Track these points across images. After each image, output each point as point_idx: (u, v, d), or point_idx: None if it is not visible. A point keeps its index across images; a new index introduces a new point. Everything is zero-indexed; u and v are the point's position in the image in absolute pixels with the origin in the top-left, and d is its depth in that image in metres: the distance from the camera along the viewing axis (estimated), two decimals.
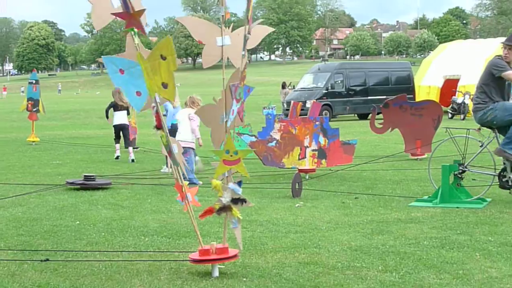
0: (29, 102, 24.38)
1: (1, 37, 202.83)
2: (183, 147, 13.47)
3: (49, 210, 10.88)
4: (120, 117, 18.82)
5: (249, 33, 7.00)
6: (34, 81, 24.81)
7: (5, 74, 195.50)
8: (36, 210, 10.85)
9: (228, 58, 7.19)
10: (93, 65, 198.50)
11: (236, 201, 6.86)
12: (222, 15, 7.20)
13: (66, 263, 7.42)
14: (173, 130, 16.47)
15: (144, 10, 6.52)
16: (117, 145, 19.06)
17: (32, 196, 12.34)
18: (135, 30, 6.62)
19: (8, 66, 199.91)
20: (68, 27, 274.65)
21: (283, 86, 42.84)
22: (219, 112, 7.19)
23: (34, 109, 24.35)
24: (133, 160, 18.05)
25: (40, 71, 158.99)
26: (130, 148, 18.50)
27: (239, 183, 6.88)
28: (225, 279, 6.72)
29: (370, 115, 23.02)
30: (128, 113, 19.14)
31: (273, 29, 7.84)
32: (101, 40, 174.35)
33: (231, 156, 6.89)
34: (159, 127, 6.75)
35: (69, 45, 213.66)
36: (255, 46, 7.56)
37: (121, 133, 18.87)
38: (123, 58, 6.60)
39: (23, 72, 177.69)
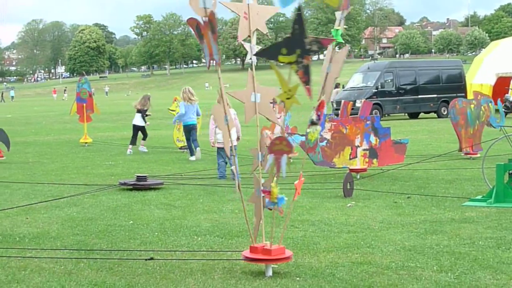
0: (80, 104, 24.68)
1: (53, 41, 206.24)
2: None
3: (103, 210, 11.03)
4: (136, 119, 21.74)
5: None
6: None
7: (57, 77, 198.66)
8: (90, 210, 11.01)
9: None
10: (143, 67, 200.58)
11: None
12: None
13: (122, 262, 7.51)
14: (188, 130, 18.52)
15: None
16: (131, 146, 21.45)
17: (86, 196, 12.53)
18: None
19: (60, 69, 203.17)
20: (118, 29, 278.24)
21: (336, 85, 42.58)
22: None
23: (87, 111, 24.66)
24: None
25: (91, 74, 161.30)
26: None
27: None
28: (278, 278, 6.74)
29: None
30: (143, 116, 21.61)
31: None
32: (150, 43, 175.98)
33: None
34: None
35: (119, 47, 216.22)
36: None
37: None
38: None
39: (75, 75, 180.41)
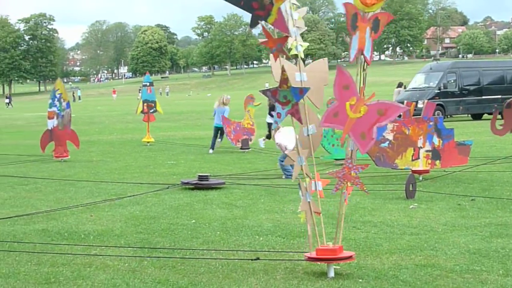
0: (145, 104, 25.03)
1: (116, 42, 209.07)
2: None
3: (165, 209, 11.15)
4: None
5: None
6: (148, 84, 25.45)
7: (120, 77, 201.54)
8: (153, 209, 11.14)
9: None
10: (204, 68, 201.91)
11: None
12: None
13: (184, 260, 7.58)
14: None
15: None
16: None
17: (149, 195, 12.67)
18: None
19: (123, 70, 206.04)
20: (180, 30, 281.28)
21: (399, 85, 42.06)
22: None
23: (151, 111, 24.98)
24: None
25: (153, 74, 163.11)
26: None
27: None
28: (340, 279, 6.71)
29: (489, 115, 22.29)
30: None
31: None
32: (211, 43, 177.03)
33: None
34: None
35: (181, 48, 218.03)
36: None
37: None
38: None
39: (137, 75, 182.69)
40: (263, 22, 6.88)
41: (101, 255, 7.91)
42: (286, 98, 6.92)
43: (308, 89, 6.99)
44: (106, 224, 9.89)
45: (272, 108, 19.15)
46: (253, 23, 6.93)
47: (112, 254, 7.95)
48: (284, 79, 6.89)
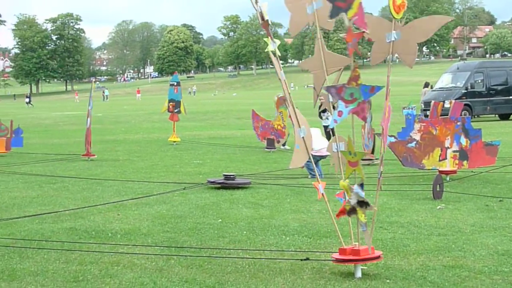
0: (171, 103, 25.12)
1: (143, 41, 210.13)
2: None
3: (192, 208, 11.17)
4: None
5: None
6: (175, 83, 25.53)
7: (146, 76, 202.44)
8: (179, 208, 11.17)
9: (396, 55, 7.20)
10: (229, 67, 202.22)
11: (361, 203, 6.77)
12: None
13: (211, 259, 7.60)
14: None
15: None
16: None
17: (175, 194, 12.71)
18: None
19: (149, 69, 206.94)
20: (205, 30, 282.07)
21: (426, 85, 41.79)
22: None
23: (175, 110, 25.07)
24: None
25: (179, 74, 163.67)
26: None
27: (361, 186, 6.77)
28: (368, 280, 6.68)
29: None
30: None
31: (452, 18, 7.63)
32: (237, 43, 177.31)
33: (352, 157, 6.91)
34: None
35: (206, 47, 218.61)
36: (427, 38, 7.43)
37: None
38: None
39: (163, 74, 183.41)
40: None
41: (128, 254, 7.95)
42: (352, 96, 6.84)
43: (380, 88, 6.91)
44: (133, 223, 9.93)
45: (324, 110, 18.93)
46: (333, 14, 6.94)
47: (139, 253, 7.99)
48: (355, 76, 6.83)
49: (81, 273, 7.12)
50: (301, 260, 7.39)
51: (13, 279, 6.95)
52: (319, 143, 13.89)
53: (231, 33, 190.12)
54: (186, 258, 7.70)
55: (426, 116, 15.42)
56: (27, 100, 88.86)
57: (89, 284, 6.73)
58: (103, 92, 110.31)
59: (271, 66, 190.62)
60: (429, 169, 13.85)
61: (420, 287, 6.43)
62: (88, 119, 19.99)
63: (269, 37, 7.23)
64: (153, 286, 6.61)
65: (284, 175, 15.34)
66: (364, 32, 6.87)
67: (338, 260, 6.92)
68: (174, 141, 24.92)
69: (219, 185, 13.34)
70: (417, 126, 13.47)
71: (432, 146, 13.52)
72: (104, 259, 7.72)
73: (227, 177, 13.42)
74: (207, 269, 7.22)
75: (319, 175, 14.24)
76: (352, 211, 6.81)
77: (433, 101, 14.98)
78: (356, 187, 6.72)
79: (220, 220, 10.05)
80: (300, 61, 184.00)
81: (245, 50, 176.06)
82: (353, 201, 6.76)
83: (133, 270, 7.20)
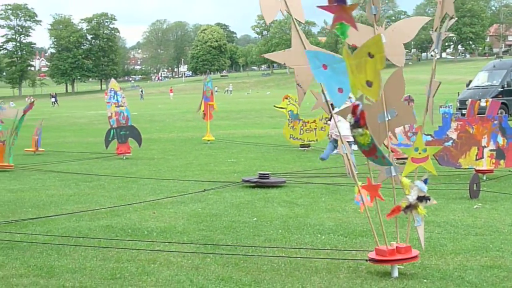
0: (206, 103, 25.18)
1: (177, 40, 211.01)
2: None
3: (227, 206, 11.20)
4: None
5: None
6: (209, 88, 25.57)
7: (180, 75, 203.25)
8: (214, 206, 11.20)
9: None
10: (263, 66, 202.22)
11: (421, 198, 6.72)
12: (375, 14, 7.04)
13: (247, 258, 7.61)
14: None
15: (357, 5, 6.51)
16: None
17: (210, 192, 12.75)
18: (345, 24, 6.14)
19: (183, 68, 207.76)
20: (239, 29, 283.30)
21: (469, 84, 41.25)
22: (376, 111, 7.06)
23: (209, 109, 25.12)
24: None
25: (212, 73, 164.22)
26: None
27: (425, 181, 6.72)
28: (405, 279, 6.64)
29: None
30: None
31: (429, 18, 7.52)
32: (271, 41, 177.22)
33: (420, 153, 6.86)
34: (362, 125, 6.43)
35: (240, 46, 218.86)
36: (410, 39, 7.37)
37: None
38: (328, 54, 6.41)
39: (197, 73, 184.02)
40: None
41: (164, 252, 7.99)
42: None
43: None
44: (168, 221, 9.98)
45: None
46: None
47: (176, 251, 8.03)
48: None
49: (118, 270, 7.18)
50: (366, 260, 7.33)
51: (52, 276, 7.03)
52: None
53: (265, 32, 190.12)
54: (222, 256, 7.72)
55: (462, 114, 15.29)
56: (53, 100, 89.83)
57: (126, 281, 6.78)
58: (141, 92, 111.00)
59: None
60: (465, 168, 13.72)
61: (458, 287, 6.37)
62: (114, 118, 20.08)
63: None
64: (190, 284, 6.64)
65: (319, 174, 15.30)
66: None
67: (374, 260, 6.88)
68: (208, 140, 25.00)
69: (253, 184, 13.36)
70: (453, 124, 13.35)
71: (469, 145, 13.39)
72: (140, 257, 7.77)
73: (262, 176, 13.43)
74: (243, 267, 7.23)
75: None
76: (408, 207, 6.73)
77: (469, 100, 14.84)
78: (419, 183, 6.66)
79: (255, 218, 10.06)
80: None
81: (278, 49, 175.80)
82: (413, 198, 6.69)
83: (170, 268, 7.24)
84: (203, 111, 25.21)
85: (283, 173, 15.29)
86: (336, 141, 15.17)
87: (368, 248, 7.68)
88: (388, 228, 8.99)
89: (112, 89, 20.44)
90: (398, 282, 6.55)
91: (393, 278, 6.71)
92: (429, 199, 6.73)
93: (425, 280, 6.60)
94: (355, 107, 6.15)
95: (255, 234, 8.98)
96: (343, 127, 14.20)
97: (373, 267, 7.06)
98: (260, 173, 13.58)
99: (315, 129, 21.28)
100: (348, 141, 14.22)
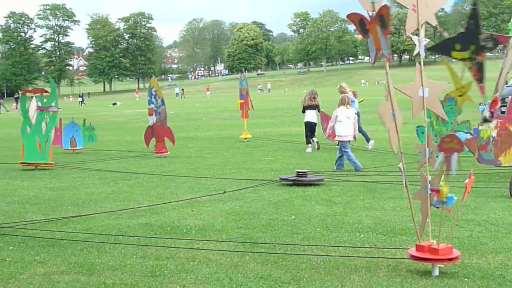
0: (242, 101, 25.25)
1: (213, 39, 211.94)
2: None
3: (264, 204, 11.20)
4: (310, 115, 21.02)
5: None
6: (244, 85, 25.64)
7: (216, 74, 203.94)
8: (252, 205, 11.22)
9: None
10: (299, 64, 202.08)
11: None
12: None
13: (286, 256, 7.61)
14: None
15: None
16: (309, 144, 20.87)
17: (248, 191, 12.77)
18: None
19: (220, 67, 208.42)
20: (275, 27, 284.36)
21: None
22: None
23: (245, 108, 25.20)
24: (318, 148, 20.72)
25: (249, 71, 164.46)
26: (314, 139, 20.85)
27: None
28: (445, 278, 6.58)
29: None
30: (319, 111, 21.19)
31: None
32: (307, 40, 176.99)
33: None
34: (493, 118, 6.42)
35: (276, 44, 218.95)
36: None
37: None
38: None
39: (233, 72, 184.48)
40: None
41: (203, 250, 8.02)
42: None
43: None
44: (207, 219, 10.02)
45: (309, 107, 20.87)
46: None
47: (214, 249, 8.05)
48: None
49: (157, 268, 7.23)
50: (404, 258, 7.31)
51: (92, 273, 7.10)
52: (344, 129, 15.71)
53: (301, 30, 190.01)
54: (261, 254, 7.73)
55: (502, 112, 15.10)
56: (80, 99, 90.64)
57: (166, 279, 6.82)
58: (182, 91, 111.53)
59: (341, 62, 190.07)
60: (505, 166, 13.55)
61: (499, 286, 6.30)
62: (153, 116, 20.18)
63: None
64: (229, 282, 6.65)
65: (356, 172, 15.23)
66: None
67: (413, 257, 6.82)
68: (245, 138, 25.05)
69: (291, 182, 13.34)
70: (493, 122, 13.16)
71: (509, 142, 13.21)
72: (179, 255, 7.82)
73: (299, 174, 13.41)
74: (282, 265, 7.23)
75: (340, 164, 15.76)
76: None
77: (509, 97, 14.66)
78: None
79: (293, 216, 10.05)
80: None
81: (315, 47, 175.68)
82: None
83: (209, 266, 7.27)
84: (240, 109, 25.30)
85: (321, 171, 15.25)
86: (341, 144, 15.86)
87: (408, 247, 7.62)
88: (430, 227, 8.92)
89: (152, 86, 20.55)
90: (439, 281, 6.49)
91: (434, 277, 6.65)
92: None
93: (466, 279, 6.53)
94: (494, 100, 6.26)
95: (294, 232, 8.98)
96: (342, 127, 15.59)
97: (413, 265, 7.01)
98: (298, 171, 13.57)
99: None
100: (344, 141, 15.60)
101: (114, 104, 78.53)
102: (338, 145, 16.42)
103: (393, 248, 7.86)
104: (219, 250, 7.97)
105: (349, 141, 15.91)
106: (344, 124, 15.77)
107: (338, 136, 15.93)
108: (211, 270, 7.09)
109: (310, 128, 20.83)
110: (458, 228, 8.89)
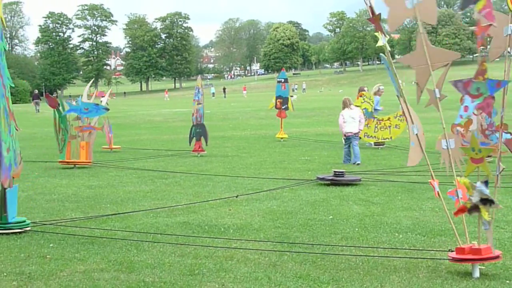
0: (278, 100, 25.25)
1: (249, 39, 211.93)
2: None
3: (302, 204, 11.18)
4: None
5: None
6: (282, 80, 25.64)
7: (252, 73, 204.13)
8: (290, 204, 11.20)
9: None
10: (335, 64, 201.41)
11: (485, 201, 6.54)
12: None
13: (324, 256, 7.58)
14: None
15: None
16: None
17: (285, 190, 12.75)
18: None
19: (255, 66, 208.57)
20: (311, 26, 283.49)
21: None
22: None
23: (283, 107, 25.18)
24: None
25: (285, 71, 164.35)
26: None
27: (486, 183, 6.55)
28: (486, 280, 6.50)
29: None
30: None
31: None
32: (343, 39, 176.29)
33: (476, 154, 6.72)
34: None
35: (312, 44, 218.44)
36: None
37: None
38: None
39: (269, 71, 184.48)
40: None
41: (241, 249, 8.03)
42: (478, 90, 6.69)
43: (507, 82, 6.74)
44: (244, 218, 10.03)
45: None
46: (464, 5, 6.87)
47: (252, 248, 8.05)
48: (482, 70, 6.66)
49: (196, 266, 7.24)
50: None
51: (132, 271, 7.14)
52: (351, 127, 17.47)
53: (337, 30, 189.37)
54: (299, 254, 7.71)
55: None
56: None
57: (204, 277, 6.83)
58: (224, 90, 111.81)
59: (377, 62, 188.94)
60: None
61: None
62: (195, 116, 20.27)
63: (380, 32, 7.14)
64: (268, 281, 6.64)
65: (394, 172, 15.14)
66: (491, 25, 6.67)
67: (455, 259, 6.75)
68: (282, 138, 25.04)
69: (328, 182, 13.30)
70: None
71: None
72: (218, 253, 7.83)
73: (337, 174, 13.35)
74: (321, 265, 7.20)
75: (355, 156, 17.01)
76: (473, 209, 6.60)
77: None
78: (479, 184, 6.51)
79: (331, 216, 10.02)
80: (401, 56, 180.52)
81: (351, 46, 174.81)
82: (476, 199, 6.55)
83: (247, 265, 7.27)
84: (276, 106, 25.33)
85: (358, 171, 15.17)
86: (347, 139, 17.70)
87: (447, 248, 7.54)
88: (468, 228, 8.82)
89: (198, 86, 20.65)
90: (480, 283, 6.41)
91: (474, 278, 6.57)
92: (493, 203, 6.53)
93: (507, 281, 6.44)
94: None
95: (332, 232, 8.94)
96: (349, 126, 17.31)
97: (454, 267, 6.93)
98: (335, 171, 13.51)
99: (389, 126, 21.02)
100: (353, 135, 17.31)
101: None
102: (345, 144, 17.96)
103: (433, 250, 7.78)
104: (257, 250, 7.97)
105: (356, 134, 17.64)
106: (350, 123, 17.56)
107: (346, 133, 17.60)
108: (250, 269, 7.09)
109: None
110: (499, 229, 8.79)
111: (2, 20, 9.19)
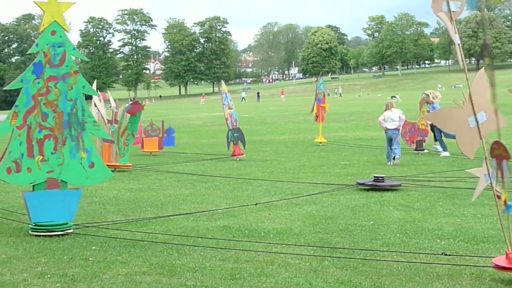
0: (318, 105, 25.19)
1: (287, 43, 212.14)
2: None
3: (342, 209, 11.13)
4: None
5: None
6: (321, 90, 25.59)
7: (290, 78, 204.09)
8: (329, 209, 11.16)
9: None
10: (374, 68, 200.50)
11: None
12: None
13: (365, 262, 7.53)
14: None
15: None
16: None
17: (325, 195, 12.71)
18: None
19: (294, 70, 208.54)
20: (350, 30, 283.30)
21: None
22: (465, 115, 6.85)
23: (321, 111, 25.15)
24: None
25: (323, 75, 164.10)
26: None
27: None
28: None
29: None
30: None
31: None
32: (382, 43, 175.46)
33: None
34: None
35: (351, 48, 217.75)
36: None
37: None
38: None
39: (307, 75, 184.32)
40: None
41: (282, 253, 8.02)
42: None
43: None
44: (284, 223, 10.02)
45: None
46: None
47: (293, 253, 8.04)
48: None
49: (237, 271, 7.25)
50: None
51: (173, 274, 7.17)
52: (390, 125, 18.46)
53: (376, 34, 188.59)
54: (340, 259, 7.67)
55: None
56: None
57: (246, 282, 6.83)
58: (258, 94, 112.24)
59: (416, 66, 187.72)
60: None
61: None
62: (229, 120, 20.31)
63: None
64: (309, 287, 6.62)
65: (434, 177, 15.00)
66: None
67: (499, 267, 6.66)
68: (320, 142, 24.99)
69: (368, 187, 13.23)
70: None
71: None
72: (258, 258, 7.83)
73: (377, 179, 13.27)
74: (362, 271, 7.16)
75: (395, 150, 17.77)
76: None
77: None
78: None
79: (371, 222, 9.96)
80: (447, 61, 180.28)
81: (390, 50, 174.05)
82: None
83: (288, 270, 7.25)
84: (316, 113, 25.26)
85: (398, 177, 15.06)
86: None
87: (491, 255, 7.45)
88: (510, 235, 8.71)
89: (224, 91, 20.77)
90: None
91: None
92: None
93: None
94: None
95: (372, 237, 8.88)
96: (389, 125, 18.35)
97: (498, 274, 6.84)
98: (375, 176, 13.43)
99: None
100: (392, 129, 18.22)
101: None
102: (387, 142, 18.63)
103: (476, 256, 7.69)
104: (298, 254, 7.95)
105: (396, 129, 18.38)
106: (389, 122, 18.47)
107: (386, 128, 18.49)
108: (291, 274, 7.08)
109: None
110: None
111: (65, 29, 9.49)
